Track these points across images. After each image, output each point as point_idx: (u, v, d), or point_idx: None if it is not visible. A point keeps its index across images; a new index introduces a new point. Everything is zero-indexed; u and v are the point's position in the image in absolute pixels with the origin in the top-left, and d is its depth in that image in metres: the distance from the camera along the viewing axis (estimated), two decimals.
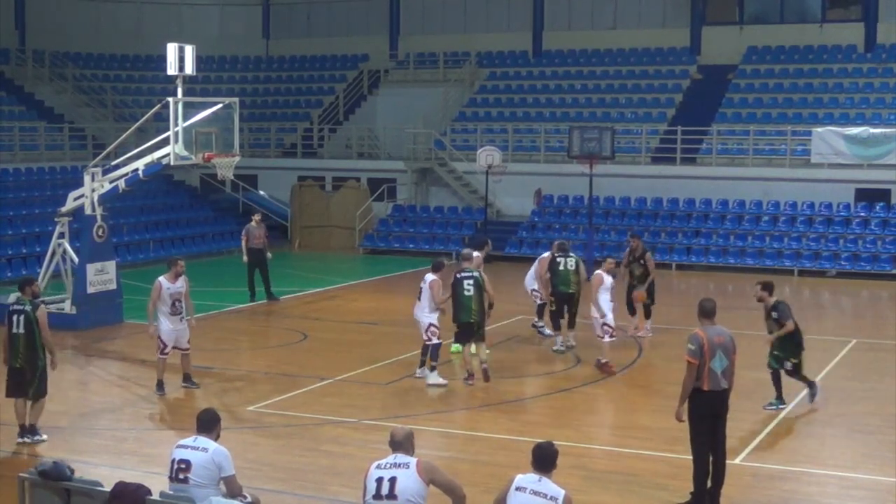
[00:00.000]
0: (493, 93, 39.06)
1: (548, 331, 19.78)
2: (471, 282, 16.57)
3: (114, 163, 22.28)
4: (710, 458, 11.21)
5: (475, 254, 18.67)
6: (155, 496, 8.76)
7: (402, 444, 8.41)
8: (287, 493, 11.77)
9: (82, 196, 21.32)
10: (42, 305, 13.93)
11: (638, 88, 37.43)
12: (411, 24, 42.12)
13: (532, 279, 20.04)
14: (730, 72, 36.83)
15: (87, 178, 21.25)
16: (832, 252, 29.70)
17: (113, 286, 21.83)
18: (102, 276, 21.56)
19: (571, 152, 30.24)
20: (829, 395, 16.26)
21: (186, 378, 16.47)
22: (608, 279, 17.62)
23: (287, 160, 38.11)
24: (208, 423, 9.16)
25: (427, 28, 41.67)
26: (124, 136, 22.55)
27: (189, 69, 20.19)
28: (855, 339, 20.61)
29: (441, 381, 16.61)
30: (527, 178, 33.81)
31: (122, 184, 21.00)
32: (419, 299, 16.85)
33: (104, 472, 11.35)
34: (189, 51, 20.15)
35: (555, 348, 19.06)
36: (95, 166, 21.68)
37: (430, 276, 16.84)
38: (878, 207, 30.63)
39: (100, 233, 21.42)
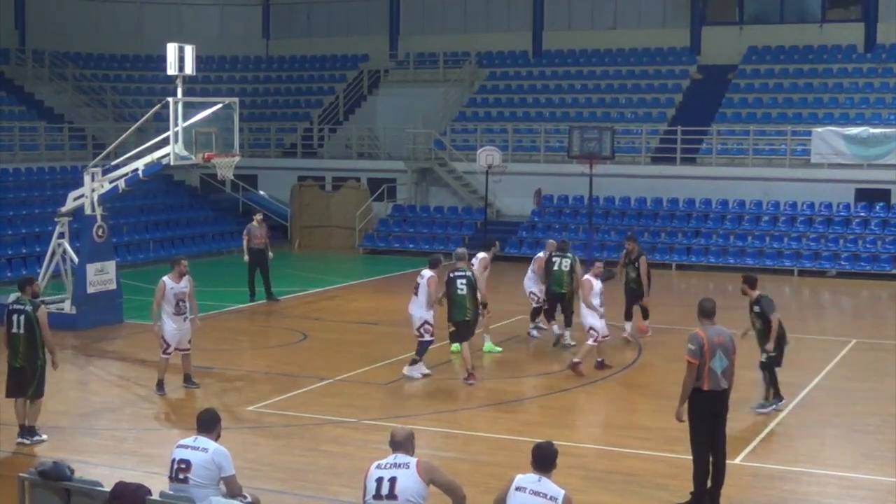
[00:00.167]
0: (493, 93, 39.05)
1: (535, 332, 20.12)
2: (464, 281, 16.66)
3: (114, 163, 22.27)
4: (710, 458, 11.22)
5: (481, 254, 18.77)
6: (155, 496, 8.76)
7: (402, 444, 8.41)
8: (287, 493, 11.77)
9: (82, 196, 21.32)
10: (42, 305, 13.93)
11: (638, 88, 37.42)
12: (411, 24, 42.11)
13: (531, 281, 20.03)
14: (730, 72, 36.82)
15: (86, 178, 21.25)
16: (832, 252, 29.69)
17: (113, 286, 21.83)
18: (102, 276, 21.56)
19: (571, 152, 30.27)
20: (829, 395, 16.28)
21: (187, 378, 16.46)
22: (597, 284, 17.51)
23: (287, 160, 38.09)
24: (208, 423, 9.16)
25: (427, 28, 41.66)
26: (124, 136, 22.53)
27: (189, 69, 20.18)
28: (855, 339, 20.59)
29: (416, 374, 16.79)
30: (527, 178, 33.81)
31: (121, 184, 21.00)
32: (416, 294, 16.92)
33: (104, 472, 11.34)
34: (189, 51, 20.14)
35: (556, 333, 19.37)
36: (95, 166, 21.68)
37: (427, 273, 16.87)
38: (878, 207, 30.62)
39: (100, 233, 21.42)
